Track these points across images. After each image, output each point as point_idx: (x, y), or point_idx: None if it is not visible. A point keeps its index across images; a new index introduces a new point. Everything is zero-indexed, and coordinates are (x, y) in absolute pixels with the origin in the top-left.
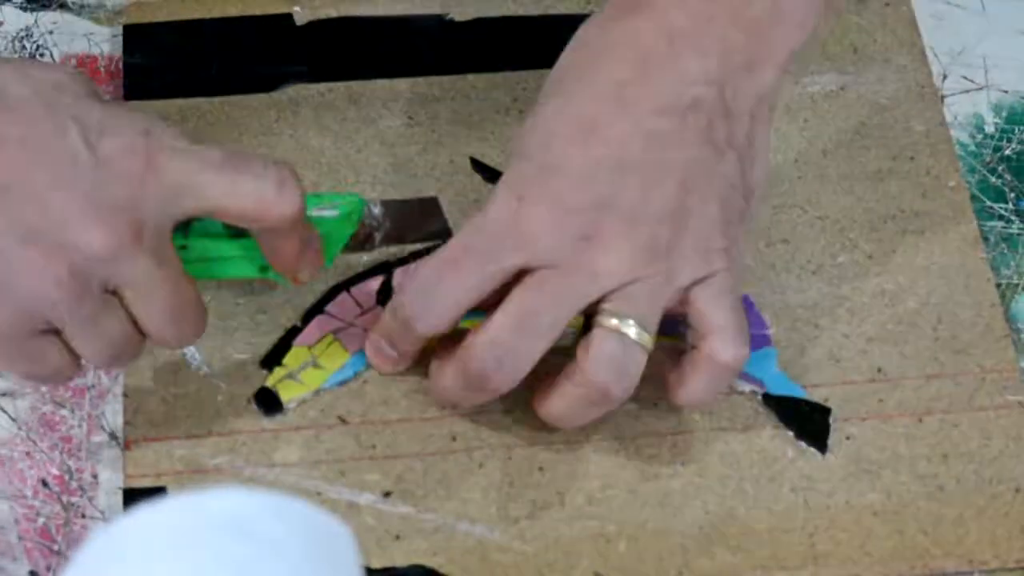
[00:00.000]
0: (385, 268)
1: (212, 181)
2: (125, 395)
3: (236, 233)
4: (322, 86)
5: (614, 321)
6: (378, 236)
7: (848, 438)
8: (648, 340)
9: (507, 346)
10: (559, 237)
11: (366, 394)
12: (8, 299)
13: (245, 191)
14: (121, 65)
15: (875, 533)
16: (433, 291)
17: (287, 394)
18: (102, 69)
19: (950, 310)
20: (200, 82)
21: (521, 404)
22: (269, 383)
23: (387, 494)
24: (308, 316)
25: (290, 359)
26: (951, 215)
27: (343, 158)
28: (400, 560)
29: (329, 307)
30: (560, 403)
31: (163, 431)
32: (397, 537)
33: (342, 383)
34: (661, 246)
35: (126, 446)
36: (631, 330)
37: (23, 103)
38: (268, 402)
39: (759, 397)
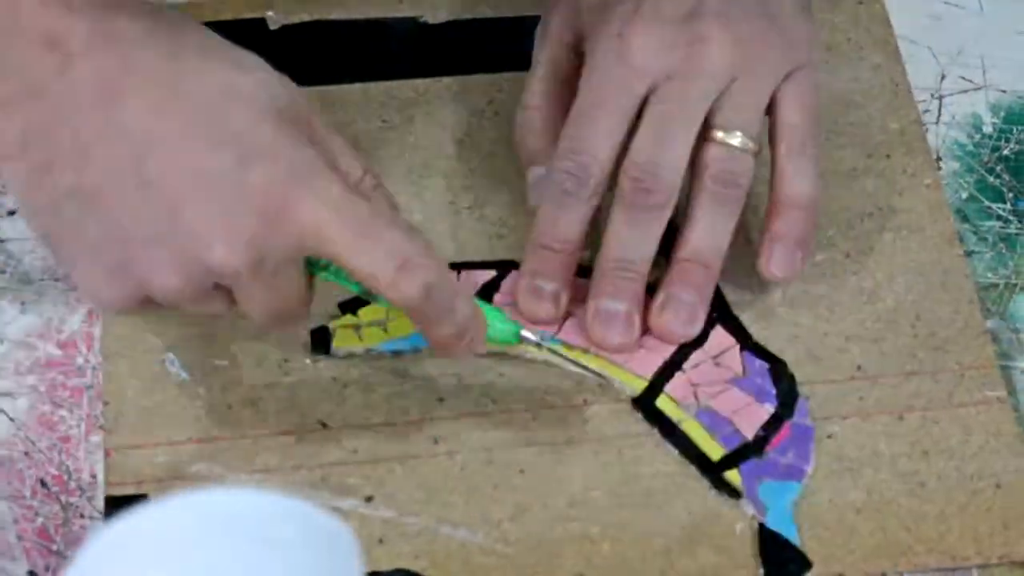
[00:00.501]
0: (501, 265)
1: (338, 239)
2: (105, 402)
3: None
4: None
5: (720, 134)
6: None
7: (829, 436)
8: (752, 146)
9: (655, 157)
10: (667, 52)
11: (346, 398)
12: (128, 280)
13: (364, 262)
14: None
15: (858, 530)
16: (586, 137)
17: (340, 342)
18: None
19: (928, 307)
20: None
21: (501, 407)
22: (332, 324)
23: (369, 498)
24: None
25: (366, 312)
26: (927, 212)
27: None
28: (384, 564)
29: None
30: (700, 222)
31: (144, 438)
32: (380, 541)
33: (395, 353)
34: (756, 38)
35: (107, 453)
36: (736, 139)
37: (189, 104)
38: (320, 340)
39: (756, 526)
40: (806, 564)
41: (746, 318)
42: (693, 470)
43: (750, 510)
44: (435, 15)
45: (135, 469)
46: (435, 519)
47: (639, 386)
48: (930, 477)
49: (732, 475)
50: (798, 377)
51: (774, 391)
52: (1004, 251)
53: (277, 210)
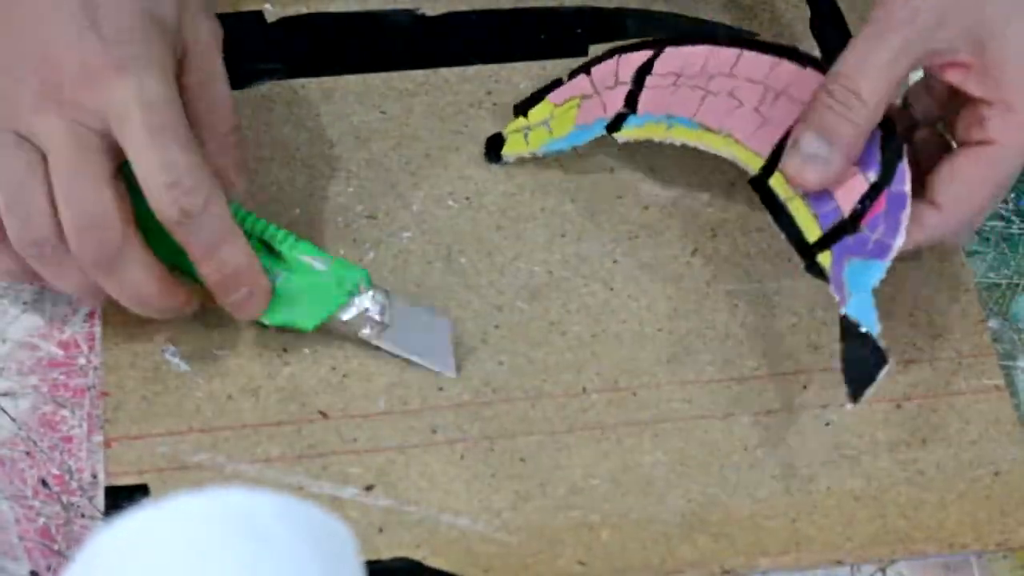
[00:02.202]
0: (657, 44)
1: (133, 133)
2: (105, 393)
3: None
4: (295, 82)
5: None
6: (373, 329)
7: (828, 424)
8: None
9: None
10: None
11: (346, 388)
12: None
13: (143, 166)
14: None
15: (857, 518)
16: None
17: (511, 148)
18: None
19: (926, 295)
20: None
21: (500, 395)
22: (506, 130)
23: (369, 487)
24: (574, 73)
25: (535, 113)
26: None
27: (317, 154)
28: (384, 553)
29: (595, 69)
30: None
31: (144, 428)
32: (380, 530)
33: (559, 152)
34: None
35: (107, 444)
36: None
37: None
38: (493, 146)
39: (840, 312)
40: (882, 359)
41: (744, 306)
42: (691, 458)
43: (833, 291)
44: (433, 6)
45: (135, 459)
46: (435, 508)
47: (756, 165)
48: (928, 465)
49: (824, 257)
50: (796, 365)
51: (879, 155)
52: (1006, 251)
53: (97, 78)
